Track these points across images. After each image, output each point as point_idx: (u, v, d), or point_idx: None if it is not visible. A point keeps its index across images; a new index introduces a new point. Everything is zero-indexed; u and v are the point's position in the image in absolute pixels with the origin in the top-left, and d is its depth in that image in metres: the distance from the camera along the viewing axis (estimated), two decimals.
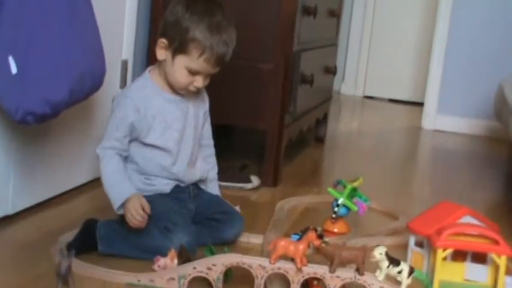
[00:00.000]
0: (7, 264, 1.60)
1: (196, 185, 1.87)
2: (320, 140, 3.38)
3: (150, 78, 1.78)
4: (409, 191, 2.73)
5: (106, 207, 1.79)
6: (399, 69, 5.22)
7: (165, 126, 1.76)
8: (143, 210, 1.63)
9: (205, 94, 1.91)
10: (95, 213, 1.84)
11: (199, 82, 1.73)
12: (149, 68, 1.82)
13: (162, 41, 1.72)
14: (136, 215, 1.62)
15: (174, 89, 1.77)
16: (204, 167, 1.89)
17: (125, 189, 1.67)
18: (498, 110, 3.03)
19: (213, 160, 1.96)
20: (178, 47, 1.70)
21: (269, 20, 2.41)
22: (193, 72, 1.71)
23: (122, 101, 1.73)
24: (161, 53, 1.73)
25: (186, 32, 1.68)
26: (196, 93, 1.82)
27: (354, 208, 2.02)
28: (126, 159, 1.75)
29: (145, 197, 1.72)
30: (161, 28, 1.75)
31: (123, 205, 1.65)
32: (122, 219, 1.70)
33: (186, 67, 1.71)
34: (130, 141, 1.75)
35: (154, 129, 1.75)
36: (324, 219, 2.05)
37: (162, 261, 1.55)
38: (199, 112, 1.86)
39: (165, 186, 1.79)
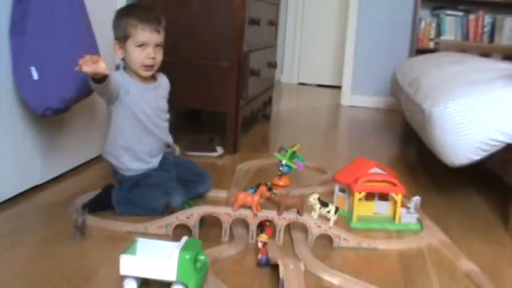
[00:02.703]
0: (37, 222, 1.58)
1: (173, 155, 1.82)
2: (267, 118, 3.38)
3: (127, 74, 1.69)
4: (333, 152, 2.74)
5: (110, 176, 1.78)
6: (323, 61, 5.24)
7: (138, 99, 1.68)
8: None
9: (166, 81, 1.82)
10: (102, 181, 1.83)
11: (150, 52, 1.65)
12: (120, 71, 1.71)
13: (115, 43, 1.67)
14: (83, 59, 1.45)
15: (140, 76, 1.69)
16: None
17: None
18: (393, 89, 3.07)
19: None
20: (124, 37, 1.65)
21: (224, 29, 2.38)
22: (142, 45, 1.64)
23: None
24: (119, 53, 1.68)
25: (125, 25, 1.65)
26: (154, 69, 1.70)
27: (294, 167, 2.03)
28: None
29: (143, 173, 1.69)
30: (114, 36, 1.69)
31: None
32: (129, 186, 1.68)
33: (135, 44, 1.64)
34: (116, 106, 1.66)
35: (132, 96, 1.67)
36: (272, 176, 2.07)
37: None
38: (164, 94, 1.80)
39: (153, 164, 1.74)
